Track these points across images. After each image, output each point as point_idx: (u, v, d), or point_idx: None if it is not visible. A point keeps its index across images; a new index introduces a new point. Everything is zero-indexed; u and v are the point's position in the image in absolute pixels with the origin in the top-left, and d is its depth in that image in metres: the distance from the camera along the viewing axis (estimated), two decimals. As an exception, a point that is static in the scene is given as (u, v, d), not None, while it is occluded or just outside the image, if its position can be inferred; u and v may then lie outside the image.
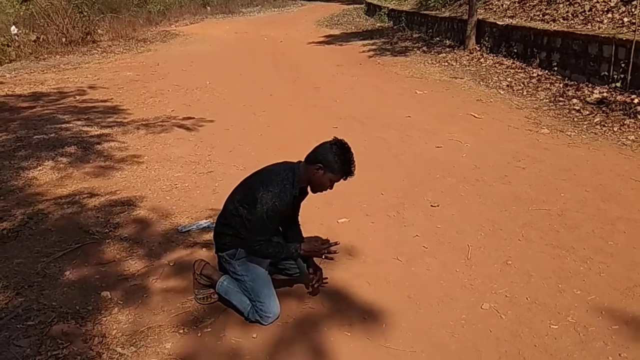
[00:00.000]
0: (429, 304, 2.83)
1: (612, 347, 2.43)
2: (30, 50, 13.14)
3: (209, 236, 3.50)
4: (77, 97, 8.29)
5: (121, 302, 2.88)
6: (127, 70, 10.76)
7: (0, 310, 2.79)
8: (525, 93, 7.36)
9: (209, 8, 25.34)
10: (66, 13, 14.33)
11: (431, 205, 4.05)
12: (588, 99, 6.51)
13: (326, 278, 2.91)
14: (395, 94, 7.98)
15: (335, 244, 2.77)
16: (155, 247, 3.49)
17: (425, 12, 13.92)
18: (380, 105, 7.30)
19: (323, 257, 2.76)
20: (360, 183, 4.28)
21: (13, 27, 13.95)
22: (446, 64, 9.77)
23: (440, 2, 13.65)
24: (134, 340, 2.57)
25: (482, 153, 5.14)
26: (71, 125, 6.54)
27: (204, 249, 3.43)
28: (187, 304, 2.87)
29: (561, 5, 8.93)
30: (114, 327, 2.67)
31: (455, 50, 10.48)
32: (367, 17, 19.99)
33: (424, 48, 11.55)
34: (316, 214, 3.81)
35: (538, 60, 8.36)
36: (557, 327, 2.59)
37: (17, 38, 13.57)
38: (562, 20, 8.57)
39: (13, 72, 10.75)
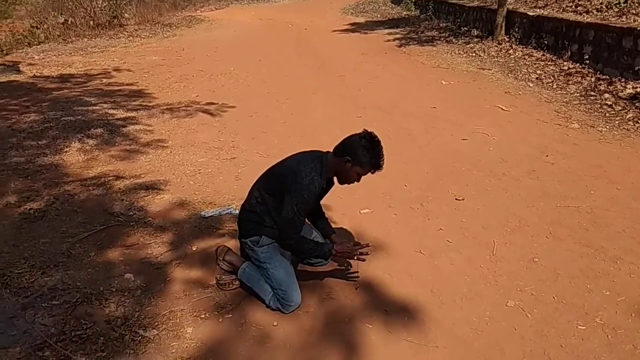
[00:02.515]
0: (452, 299, 2.78)
1: (642, 351, 2.36)
2: (58, 32, 13.31)
3: (232, 222, 3.51)
4: (104, 80, 8.37)
5: (144, 285, 2.91)
6: (153, 54, 10.82)
7: (26, 288, 2.83)
8: (555, 86, 7.18)
9: (234, -7, 25.32)
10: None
11: (456, 199, 3.98)
12: (621, 94, 6.32)
13: (357, 271, 2.91)
14: (421, 84, 7.86)
15: (367, 245, 2.75)
16: (178, 232, 3.51)
17: (453, 1, 13.64)
18: (405, 95, 7.20)
19: (355, 258, 2.75)
20: (384, 174, 4.18)
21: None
22: (474, 54, 9.57)
23: (470, -9, 13.36)
24: (156, 323, 2.59)
25: (510, 147, 5.03)
26: (97, 107, 6.60)
27: (226, 235, 3.43)
28: (208, 290, 2.88)
29: (595, -4, 8.66)
30: (137, 310, 2.69)
31: (483, 41, 10.26)
32: (393, 5, 19.70)
33: (451, 38, 11.34)
34: (339, 204, 3.78)
35: (569, 52, 8.13)
36: (584, 328, 2.53)
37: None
38: (595, 12, 8.32)
39: (42, 54, 10.90)
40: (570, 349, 2.38)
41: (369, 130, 2.59)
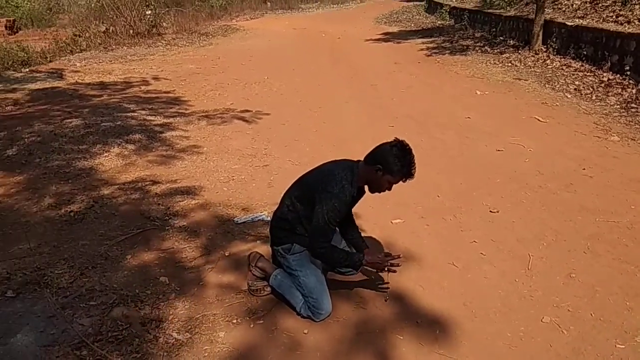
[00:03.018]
0: (485, 313, 2.74)
1: (685, 374, 2.27)
2: (99, 40, 13.75)
3: (264, 229, 3.54)
4: (142, 88, 8.60)
5: (178, 289, 2.96)
6: (190, 63, 11.06)
7: (65, 288, 2.93)
8: (594, 98, 7.00)
9: (269, 4, 25.68)
10: (134, 6, 14.88)
11: (490, 211, 3.92)
12: (664, 106, 6.12)
13: (388, 282, 2.88)
14: (455, 93, 7.79)
15: (398, 257, 2.74)
16: (211, 237, 3.57)
17: (489, 10, 13.51)
18: (438, 105, 7.15)
19: (386, 270, 2.74)
20: (416, 184, 4.17)
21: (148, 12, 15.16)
22: (509, 64, 9.44)
23: (506, 0, 13.20)
24: (189, 327, 2.63)
25: (546, 159, 4.93)
26: (136, 114, 6.79)
27: (259, 242, 3.47)
28: (240, 295, 2.92)
29: (637, 6, 8.44)
30: (171, 313, 2.74)
31: (519, 51, 10.11)
32: (427, 14, 19.63)
33: (486, 47, 11.21)
34: (370, 214, 3.78)
35: (609, 63, 7.93)
36: (623, 347, 2.45)
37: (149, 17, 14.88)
38: (637, 23, 8.10)
39: (83, 62, 11.28)
40: (609, 369, 2.32)
41: (400, 139, 2.58)
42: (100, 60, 11.47)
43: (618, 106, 6.53)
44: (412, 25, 17.41)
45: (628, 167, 4.65)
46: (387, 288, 2.87)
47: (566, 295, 2.85)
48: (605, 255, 3.24)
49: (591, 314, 2.69)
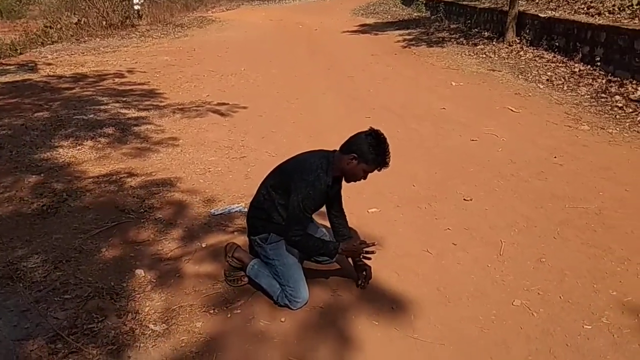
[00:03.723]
0: (458, 297, 2.80)
1: (647, 351, 2.36)
2: (71, 32, 13.48)
3: (241, 220, 3.55)
4: (116, 80, 8.47)
5: (154, 281, 2.95)
6: (164, 54, 10.92)
7: (39, 282, 2.89)
8: (565, 88, 7.15)
9: (245, -6, 25.46)
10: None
11: (464, 199, 3.99)
12: (632, 96, 6.28)
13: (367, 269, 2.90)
14: (430, 85, 7.87)
15: (373, 244, 2.77)
16: (188, 229, 3.56)
17: (464, 2, 13.63)
18: (414, 96, 7.22)
19: (361, 257, 2.78)
20: (392, 174, 4.23)
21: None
22: (484, 56, 9.56)
23: (480, -8, 13.34)
24: (166, 318, 2.63)
25: (519, 148, 5.03)
26: (110, 107, 6.69)
27: (236, 233, 3.47)
28: (217, 286, 2.92)
29: (607, -2, 8.61)
30: (147, 305, 2.74)
31: (494, 42, 10.24)
32: (403, 6, 19.70)
33: (462, 39, 11.33)
34: (347, 203, 3.75)
35: (580, 54, 8.10)
36: (590, 327, 2.53)
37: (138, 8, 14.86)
38: (607, 14, 8.27)
39: (55, 54, 11.05)
40: (576, 348, 2.39)
41: (375, 128, 2.61)
42: (73, 52, 11.25)
43: (588, 96, 6.69)
44: (389, 16, 17.47)
45: (597, 155, 4.78)
46: (366, 274, 2.89)
47: (536, 279, 2.93)
48: (574, 240, 3.33)
49: (560, 297, 2.77)
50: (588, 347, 2.41)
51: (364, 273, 2.87)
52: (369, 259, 2.79)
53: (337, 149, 2.70)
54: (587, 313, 2.64)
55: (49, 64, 9.83)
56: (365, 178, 2.69)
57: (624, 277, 2.93)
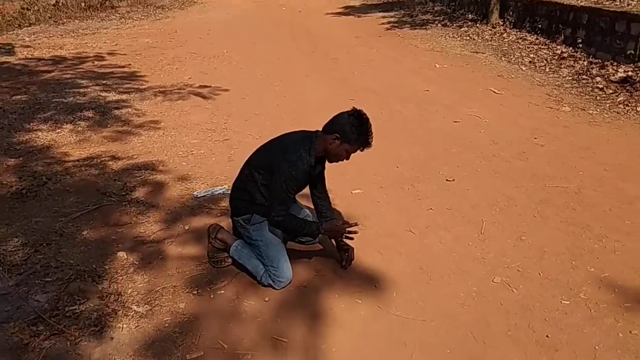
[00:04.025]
0: (440, 275, 2.83)
1: (622, 324, 2.42)
2: (49, 14, 13.16)
3: (224, 202, 3.54)
4: (96, 63, 8.31)
5: (137, 263, 2.94)
6: (145, 36, 10.73)
7: (19, 266, 2.86)
8: (547, 70, 7.20)
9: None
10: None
11: (446, 180, 4.02)
12: (612, 78, 6.35)
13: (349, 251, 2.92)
14: (415, 67, 7.87)
15: (355, 224, 2.78)
16: (171, 212, 3.54)
17: (448, -16, 13.58)
18: (398, 78, 7.21)
19: (343, 237, 2.79)
20: (376, 156, 4.25)
21: None
22: (468, 38, 9.57)
23: (464, -26, 13.29)
24: (149, 299, 2.63)
25: (501, 129, 5.07)
26: (89, 90, 6.57)
27: (219, 215, 3.46)
28: (201, 267, 2.92)
29: (590, -20, 8.63)
30: (130, 286, 2.73)
31: (477, 25, 10.25)
32: (388, -12, 19.54)
33: (446, 21, 11.32)
34: (330, 184, 3.75)
35: (563, 36, 8.15)
36: (568, 302, 2.59)
37: None
38: (590, -4, 8.31)
39: (32, 36, 10.79)
40: (554, 322, 2.45)
41: (357, 108, 2.60)
42: (51, 35, 10.99)
43: (570, 78, 6.75)
44: (373, -1, 17.34)
45: (577, 135, 4.84)
46: (348, 255, 2.91)
47: (516, 256, 2.98)
48: (553, 219, 3.39)
49: (539, 273, 2.82)
50: (566, 321, 2.46)
51: (347, 254, 2.89)
52: (352, 239, 2.81)
53: (320, 129, 2.69)
54: (565, 289, 2.70)
55: (27, 47, 9.60)
56: (348, 158, 2.70)
57: (601, 254, 2.98)
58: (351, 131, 2.56)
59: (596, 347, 2.29)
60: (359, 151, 2.66)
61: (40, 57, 8.70)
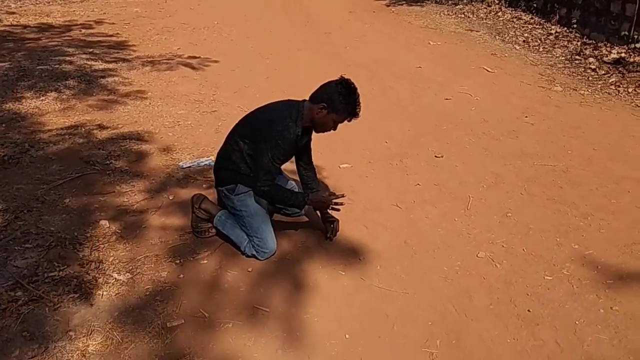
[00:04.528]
0: (425, 250, 2.83)
1: (604, 300, 2.43)
2: (36, -20, 12.78)
3: (210, 173, 3.49)
4: (83, 31, 8.12)
5: (119, 232, 2.90)
6: (134, 6, 10.49)
7: (-1, 232, 2.81)
8: (541, 49, 7.15)
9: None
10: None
11: (435, 156, 4.00)
12: (605, 59, 6.32)
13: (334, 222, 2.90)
14: (408, 43, 7.77)
15: (342, 196, 2.75)
16: (155, 181, 3.49)
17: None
18: (391, 54, 7.13)
19: (330, 208, 2.75)
20: (365, 131, 4.25)
21: None
22: (462, 15, 9.47)
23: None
24: (130, 268, 2.59)
25: (492, 107, 5.04)
26: (76, 58, 6.42)
27: (204, 186, 3.42)
28: (184, 237, 2.89)
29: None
30: (111, 255, 2.69)
31: (472, 3, 10.13)
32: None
33: (441, -1, 11.17)
34: (319, 158, 3.73)
35: (557, 16, 8.08)
36: (551, 278, 2.59)
37: None
38: (586, -25, 8.22)
39: (18, 2, 10.49)
40: (536, 297, 2.45)
41: (345, 77, 2.55)
42: (37, 2, 10.70)
43: (563, 58, 6.70)
44: (369, -26, 17.05)
45: (568, 115, 4.82)
46: (334, 227, 2.89)
47: (501, 232, 2.98)
48: (540, 197, 3.38)
49: (523, 249, 2.82)
50: (548, 296, 2.47)
51: (332, 225, 2.87)
52: (338, 210, 2.78)
53: (307, 98, 2.64)
54: (549, 265, 2.70)
55: (12, 13, 9.34)
56: (335, 129, 2.65)
57: (586, 232, 2.99)
58: (339, 100, 2.51)
59: (577, 322, 2.30)
60: (346, 122, 2.61)
61: (26, 25, 8.48)
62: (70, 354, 2.05)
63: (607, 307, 2.39)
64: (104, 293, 2.40)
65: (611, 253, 2.79)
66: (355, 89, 2.55)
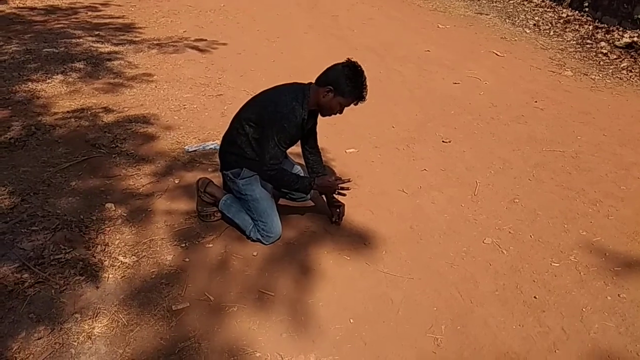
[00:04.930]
0: (430, 235, 2.81)
1: (611, 288, 2.42)
2: (42, -38, 12.70)
3: (215, 157, 3.48)
4: (89, 13, 8.06)
5: (125, 215, 2.90)
6: (141, -12, 10.39)
7: (5, 214, 2.82)
8: (552, 33, 7.04)
9: None
10: None
11: (442, 141, 3.96)
12: (617, 43, 6.21)
13: (340, 207, 2.89)
14: (416, 26, 7.67)
15: (348, 180, 2.73)
16: (161, 165, 3.48)
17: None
18: (399, 38, 7.04)
19: (336, 192, 2.74)
20: (372, 115, 4.21)
21: None
22: (472, -2, 9.31)
23: None
24: (136, 251, 2.60)
25: (501, 92, 4.97)
26: (82, 40, 6.38)
27: (209, 169, 3.41)
28: (190, 221, 2.89)
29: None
30: (117, 238, 2.70)
31: (482, -15, 9.95)
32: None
33: (450, -19, 10.98)
34: (325, 143, 3.75)
35: (569, 0, 7.93)
36: (558, 265, 2.58)
37: None
38: (600, -43, 8.04)
39: (24, -15, 10.44)
40: (543, 284, 2.44)
41: (352, 59, 2.51)
42: (43, -16, 10.63)
43: (574, 42, 6.60)
44: (377, -44, 16.80)
45: (578, 100, 4.76)
46: (340, 211, 2.88)
47: (509, 218, 2.96)
48: (548, 182, 3.35)
49: (531, 236, 2.80)
50: (555, 283, 2.45)
51: (338, 210, 2.86)
52: (344, 195, 2.76)
53: (313, 81, 2.61)
54: (556, 251, 2.68)
55: (18, -5, 9.29)
56: (341, 112, 2.62)
57: (594, 218, 2.96)
58: (345, 83, 2.47)
59: (583, 309, 2.29)
60: (352, 105, 2.58)
61: (33, 7, 8.43)
62: (76, 336, 2.07)
63: (615, 295, 2.37)
64: (110, 276, 2.41)
65: (619, 240, 2.76)
66: (362, 71, 2.51)
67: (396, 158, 3.73)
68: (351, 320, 2.21)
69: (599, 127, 4.14)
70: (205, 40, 6.58)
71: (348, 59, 2.53)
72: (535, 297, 2.35)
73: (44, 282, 2.32)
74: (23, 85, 4.76)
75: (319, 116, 2.72)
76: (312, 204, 3.04)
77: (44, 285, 2.30)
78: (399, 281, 2.45)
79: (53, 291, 2.27)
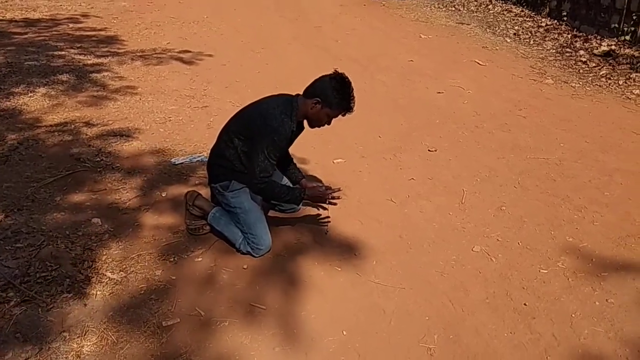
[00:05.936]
0: (420, 244, 2.83)
1: (599, 293, 2.45)
2: (21, -26, 12.58)
3: (203, 170, 3.46)
4: (71, 25, 7.99)
5: (112, 230, 2.86)
6: (122, 0, 10.34)
7: (-11, 231, 2.76)
8: (532, 42, 7.16)
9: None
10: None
11: (428, 150, 3.99)
12: (595, 51, 6.35)
13: (328, 217, 2.90)
14: (399, 37, 7.75)
15: (338, 190, 2.74)
16: (147, 178, 3.45)
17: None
18: (382, 48, 7.10)
19: (327, 202, 2.74)
20: (358, 125, 4.23)
21: None
22: (453, 9, 9.45)
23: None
24: (124, 266, 2.56)
25: (484, 100, 5.04)
26: (64, 53, 6.33)
27: (197, 182, 3.39)
28: (178, 235, 2.86)
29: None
30: (104, 253, 2.66)
31: (463, -4, 10.11)
32: (374, -43, 19.17)
33: (431, -8, 11.13)
34: (312, 154, 3.76)
35: (548, 9, 8.10)
36: (546, 271, 2.61)
37: None
38: (576, -32, 8.23)
39: (3, -3, 10.32)
40: (532, 291, 2.46)
41: (339, 71, 2.53)
42: (23, -4, 10.52)
43: (554, 50, 6.72)
44: (358, -33, 16.97)
45: (560, 108, 4.84)
46: (328, 221, 2.90)
47: (496, 226, 2.98)
48: (534, 190, 3.40)
49: (518, 243, 2.83)
50: (543, 290, 2.48)
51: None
52: (335, 204, 2.77)
53: (301, 93, 2.62)
54: (544, 258, 2.71)
55: (-3, 8, 9.18)
56: (329, 123, 2.63)
57: (580, 225, 3.01)
58: (333, 95, 2.49)
59: (573, 315, 2.31)
60: (340, 116, 2.60)
61: (12, 19, 8.33)
62: (64, 355, 2.02)
63: (603, 300, 2.40)
64: (98, 292, 2.37)
65: (605, 245, 2.80)
66: (350, 83, 2.53)
67: (383, 168, 3.75)
68: (344, 332, 2.20)
69: (580, 134, 4.22)
70: (190, 51, 6.58)
71: (335, 70, 2.55)
72: (525, 304, 2.37)
73: (30, 300, 2.27)
74: (5, 99, 4.69)
75: (308, 128, 2.73)
76: (301, 215, 3.04)
77: (30, 304, 2.25)
78: (390, 291, 2.45)
79: (40, 310, 2.23)
